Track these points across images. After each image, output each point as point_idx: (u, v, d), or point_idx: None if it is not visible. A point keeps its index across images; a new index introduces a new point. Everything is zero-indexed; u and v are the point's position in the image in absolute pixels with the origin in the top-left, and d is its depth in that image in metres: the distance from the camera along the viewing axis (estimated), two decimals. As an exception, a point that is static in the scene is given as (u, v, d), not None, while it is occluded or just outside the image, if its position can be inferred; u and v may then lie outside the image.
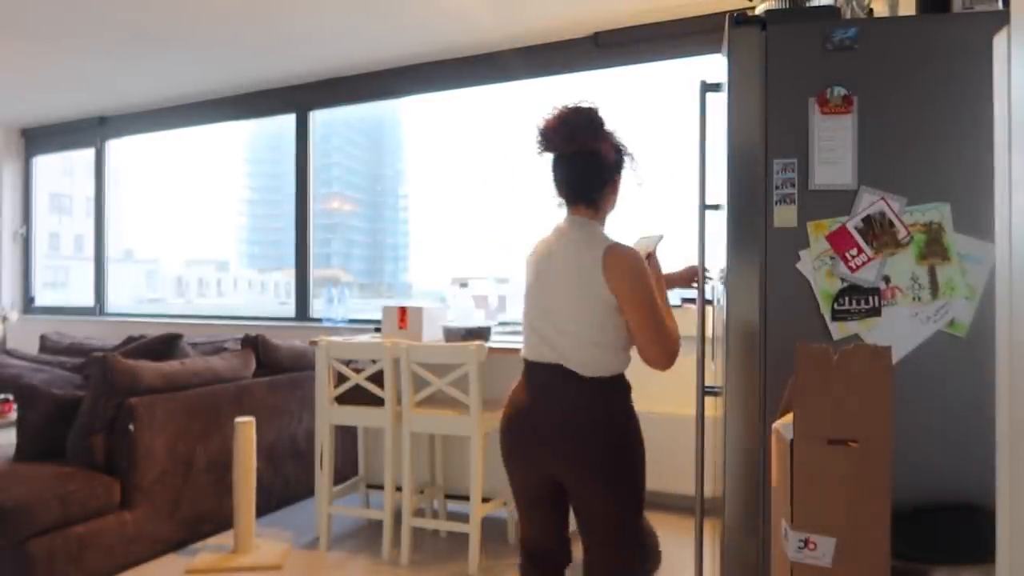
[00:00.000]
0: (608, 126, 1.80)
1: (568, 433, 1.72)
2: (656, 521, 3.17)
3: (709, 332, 2.18)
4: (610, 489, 1.73)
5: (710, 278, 2.10)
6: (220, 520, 3.27)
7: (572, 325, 1.73)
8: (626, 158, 1.84)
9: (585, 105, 1.78)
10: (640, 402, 1.89)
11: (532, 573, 1.90)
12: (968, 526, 1.42)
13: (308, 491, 3.77)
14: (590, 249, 1.72)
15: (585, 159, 1.78)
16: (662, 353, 1.72)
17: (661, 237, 1.99)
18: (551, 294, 1.77)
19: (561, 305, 1.75)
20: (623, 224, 2.06)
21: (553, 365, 1.76)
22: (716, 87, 1.96)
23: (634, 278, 1.70)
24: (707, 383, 1.99)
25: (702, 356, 1.97)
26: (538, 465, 1.78)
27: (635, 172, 1.85)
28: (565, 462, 1.74)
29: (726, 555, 1.77)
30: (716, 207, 1.97)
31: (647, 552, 2.06)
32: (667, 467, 3.61)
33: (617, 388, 1.77)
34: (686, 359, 2.47)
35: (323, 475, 3.23)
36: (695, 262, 2.08)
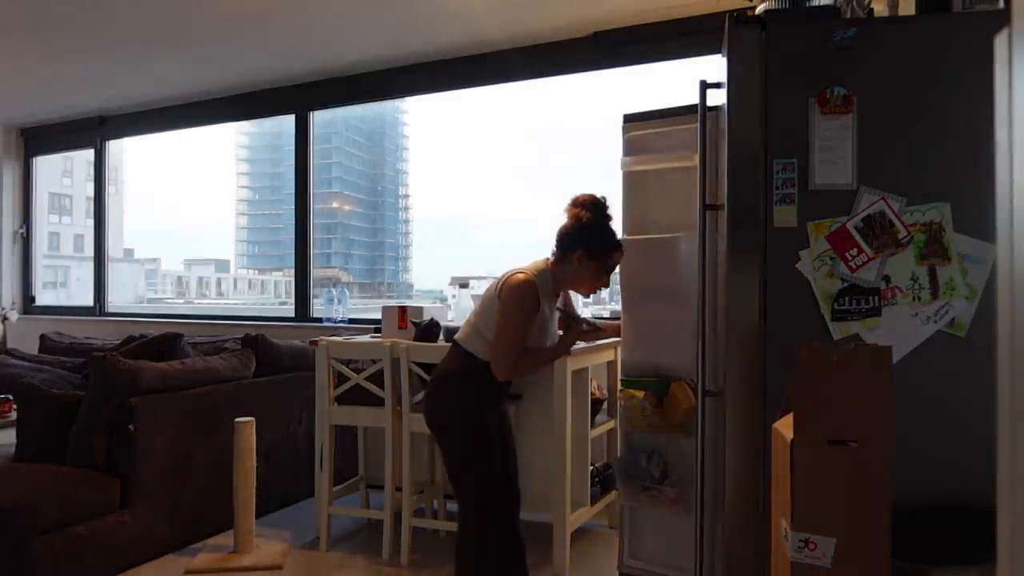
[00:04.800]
0: (598, 211, 2.29)
1: (434, 384, 2.33)
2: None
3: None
4: (444, 433, 2.28)
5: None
6: (220, 520, 3.26)
7: (476, 317, 2.30)
8: (594, 250, 2.27)
9: (598, 197, 2.33)
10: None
11: None
12: (968, 526, 1.42)
13: (308, 491, 3.77)
14: (509, 274, 2.26)
15: (566, 223, 2.30)
16: (493, 361, 2.22)
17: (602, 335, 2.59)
18: (481, 298, 2.36)
19: (479, 305, 2.33)
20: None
21: (453, 341, 2.35)
22: (716, 87, 1.96)
23: (506, 304, 2.20)
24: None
25: (702, 358, 1.97)
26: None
27: (597, 262, 2.28)
28: (426, 404, 2.33)
29: (726, 555, 1.77)
30: (716, 207, 1.97)
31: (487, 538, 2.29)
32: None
33: (476, 366, 2.24)
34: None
35: (323, 475, 3.23)
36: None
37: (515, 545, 2.33)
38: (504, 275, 2.28)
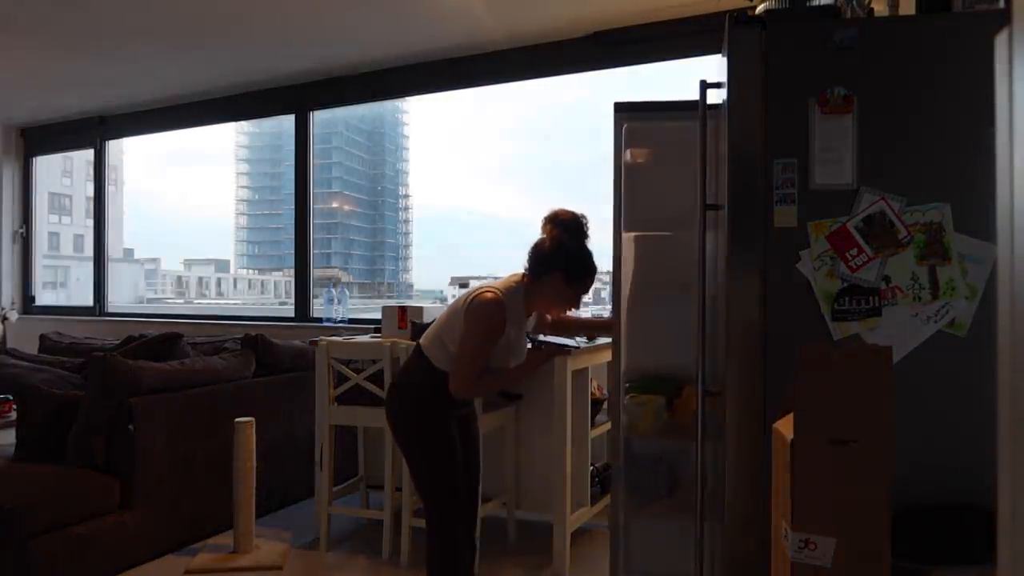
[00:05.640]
0: (577, 233, 2.21)
1: (393, 385, 2.36)
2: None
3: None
4: (400, 435, 2.27)
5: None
6: (220, 520, 3.26)
7: (439, 325, 2.27)
8: (572, 275, 2.19)
9: (579, 216, 2.24)
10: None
11: None
12: (968, 526, 1.42)
13: (308, 491, 3.77)
14: (479, 290, 2.20)
15: (545, 243, 2.21)
16: (451, 379, 2.17)
17: (576, 348, 2.49)
18: (449, 306, 2.31)
19: (445, 314, 2.28)
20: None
21: (417, 344, 2.33)
22: (716, 87, 1.95)
23: (471, 323, 2.14)
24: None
25: (703, 358, 1.96)
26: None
27: (573, 288, 2.22)
28: (386, 404, 2.35)
29: (726, 555, 1.77)
30: (716, 207, 1.96)
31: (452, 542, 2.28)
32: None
33: (434, 374, 2.21)
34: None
35: (323, 475, 3.23)
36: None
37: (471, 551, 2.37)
38: (474, 290, 2.22)
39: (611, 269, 2.47)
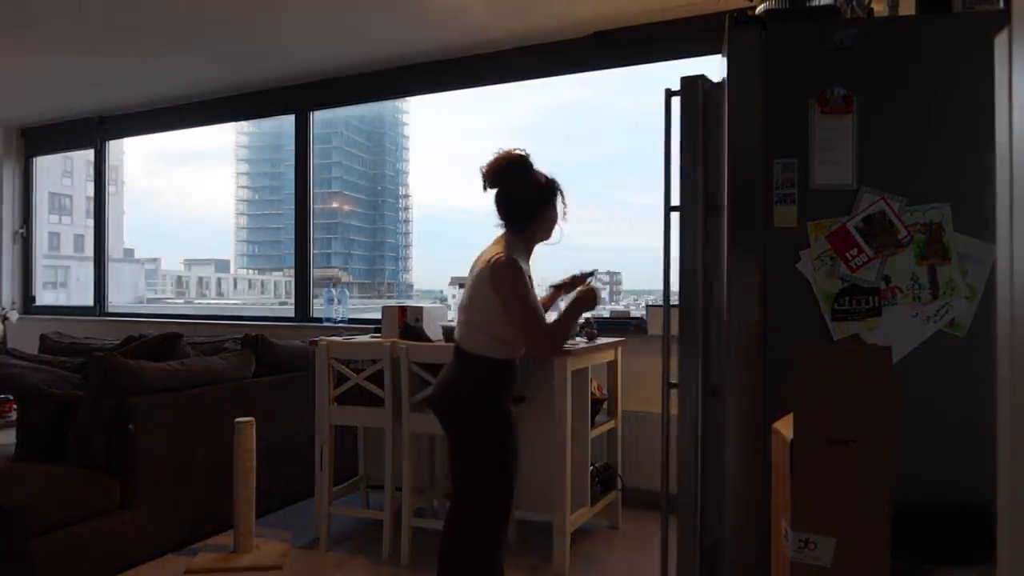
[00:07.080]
0: (533, 168, 2.23)
1: (446, 393, 2.23)
2: (650, 518, 3.15)
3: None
4: (461, 445, 2.20)
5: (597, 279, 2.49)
6: (220, 520, 3.26)
7: (469, 315, 2.20)
8: (555, 192, 2.25)
9: (515, 152, 2.22)
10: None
11: None
12: (968, 526, 1.42)
13: (308, 491, 3.77)
14: (487, 260, 2.15)
15: (507, 195, 2.22)
16: (534, 347, 2.17)
17: (591, 274, 2.44)
18: (465, 292, 2.25)
19: (467, 301, 2.22)
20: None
21: (456, 345, 2.26)
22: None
23: (505, 289, 2.11)
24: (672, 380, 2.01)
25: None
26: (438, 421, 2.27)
27: (563, 204, 2.27)
28: (441, 416, 2.24)
29: (726, 555, 1.77)
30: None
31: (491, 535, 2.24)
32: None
33: (490, 367, 2.18)
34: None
35: (323, 475, 3.23)
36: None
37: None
38: (482, 265, 2.17)
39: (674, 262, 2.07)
